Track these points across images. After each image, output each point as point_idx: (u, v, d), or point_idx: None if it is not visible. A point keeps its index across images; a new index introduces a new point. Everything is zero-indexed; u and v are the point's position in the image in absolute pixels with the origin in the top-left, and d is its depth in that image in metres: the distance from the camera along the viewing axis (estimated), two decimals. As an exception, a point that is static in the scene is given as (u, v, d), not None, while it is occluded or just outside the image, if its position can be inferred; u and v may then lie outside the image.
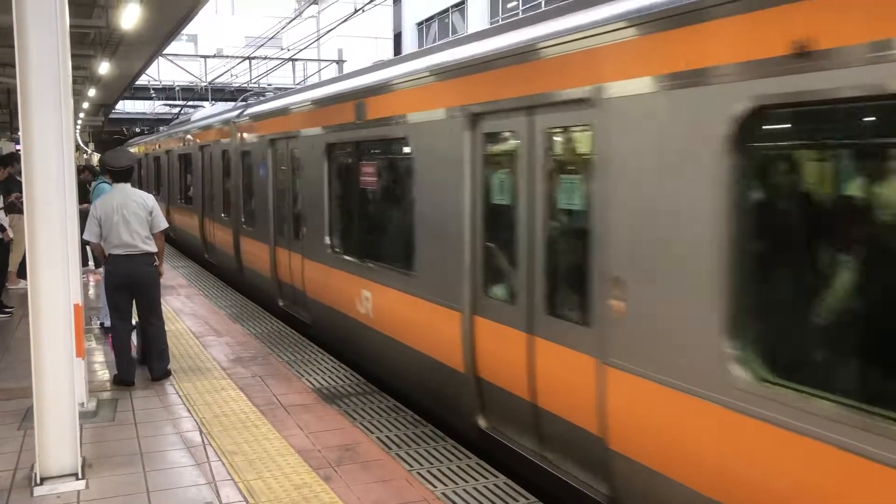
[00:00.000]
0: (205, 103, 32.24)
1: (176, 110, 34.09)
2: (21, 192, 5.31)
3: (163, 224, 7.52)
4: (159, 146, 22.98)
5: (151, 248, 7.39)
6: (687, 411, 3.87)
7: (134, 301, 7.58)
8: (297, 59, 31.63)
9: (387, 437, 6.17)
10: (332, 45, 35.62)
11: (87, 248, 9.12)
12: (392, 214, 7.84)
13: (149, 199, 7.52)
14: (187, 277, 14.59)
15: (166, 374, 7.63)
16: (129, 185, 7.56)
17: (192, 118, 20.49)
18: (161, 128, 31.37)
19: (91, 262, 12.05)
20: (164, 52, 19.69)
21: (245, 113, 12.78)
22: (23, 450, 5.72)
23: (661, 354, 4.03)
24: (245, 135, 12.47)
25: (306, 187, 9.59)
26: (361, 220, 8.31)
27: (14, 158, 11.71)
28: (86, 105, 24.60)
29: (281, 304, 10.80)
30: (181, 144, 18.71)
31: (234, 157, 13.02)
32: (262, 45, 28.28)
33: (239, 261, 12.83)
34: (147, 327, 7.65)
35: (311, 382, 7.57)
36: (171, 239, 19.25)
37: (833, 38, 3.10)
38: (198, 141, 16.32)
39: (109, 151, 8.14)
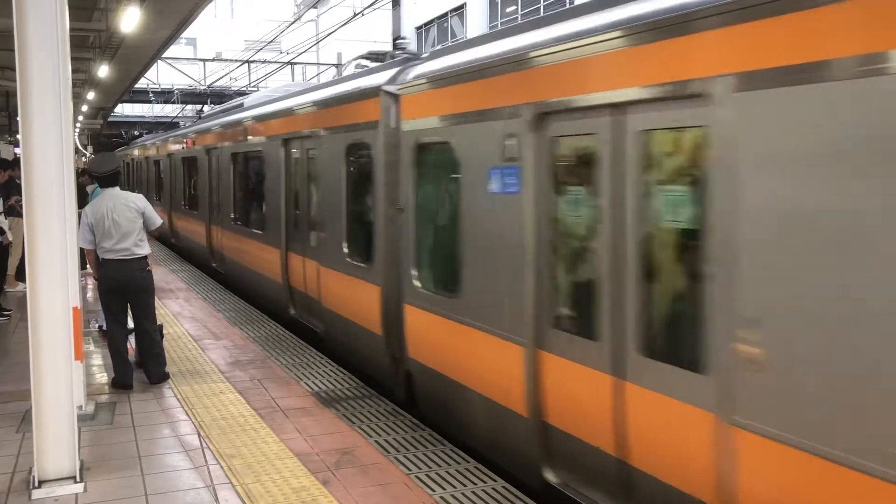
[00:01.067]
0: (203, 107, 32.25)
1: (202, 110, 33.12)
2: (21, 195, 5.32)
3: (157, 221, 7.61)
4: (192, 143, 17.15)
5: (144, 251, 7.42)
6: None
7: (128, 305, 7.61)
8: (296, 63, 31.67)
9: (385, 440, 6.16)
10: (331, 49, 35.67)
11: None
12: None
13: (139, 199, 7.56)
14: (186, 281, 14.58)
15: (164, 377, 7.62)
16: (117, 188, 7.58)
17: (251, 101, 14.44)
18: (185, 122, 27.78)
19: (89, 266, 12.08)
20: (164, 55, 19.70)
21: (422, 75, 6.78)
22: (21, 453, 5.71)
23: None
24: (423, 114, 6.65)
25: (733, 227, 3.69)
26: None
27: (15, 162, 11.72)
28: (85, 108, 24.62)
29: (551, 472, 5.17)
30: (238, 140, 12.92)
31: (385, 156, 7.26)
32: (261, 49, 28.31)
33: (397, 346, 7.23)
34: (141, 332, 7.66)
35: (309, 386, 7.56)
36: (218, 273, 14.57)
37: None
38: (278, 132, 10.64)
39: (94, 158, 8.20)
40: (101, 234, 7.26)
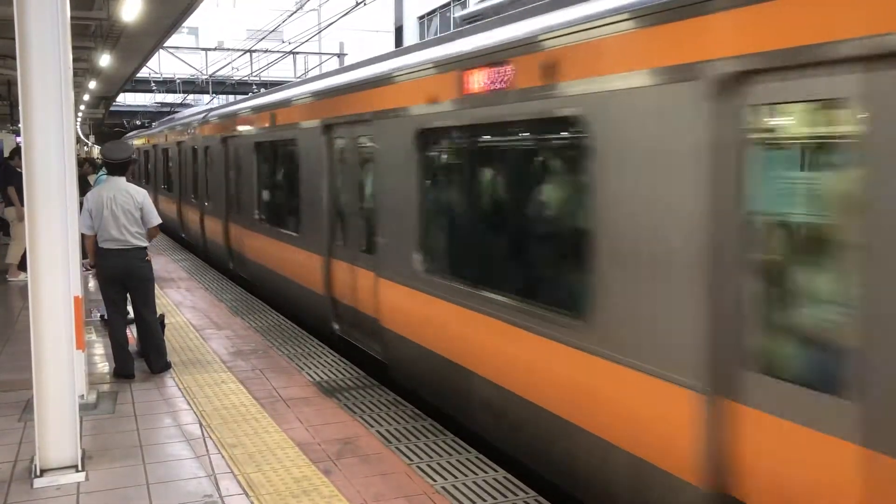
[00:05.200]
0: (205, 96, 32.19)
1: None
2: (20, 183, 5.32)
3: (155, 220, 7.50)
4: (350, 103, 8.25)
5: (142, 242, 7.40)
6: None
7: (128, 294, 7.60)
8: (298, 53, 31.60)
9: (387, 430, 6.18)
10: (333, 39, 35.58)
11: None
12: None
13: (139, 193, 7.49)
14: (188, 270, 14.59)
15: (166, 366, 7.63)
16: (123, 178, 7.55)
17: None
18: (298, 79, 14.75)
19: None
20: (166, 44, 19.63)
21: None
22: (23, 441, 5.73)
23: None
24: None
25: None
26: None
27: (15, 152, 11.71)
28: (86, 97, 24.60)
29: None
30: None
31: None
32: (263, 38, 28.25)
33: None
34: (140, 322, 7.66)
35: (311, 376, 7.57)
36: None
37: None
38: None
39: (107, 144, 8.17)
40: (100, 223, 7.26)
